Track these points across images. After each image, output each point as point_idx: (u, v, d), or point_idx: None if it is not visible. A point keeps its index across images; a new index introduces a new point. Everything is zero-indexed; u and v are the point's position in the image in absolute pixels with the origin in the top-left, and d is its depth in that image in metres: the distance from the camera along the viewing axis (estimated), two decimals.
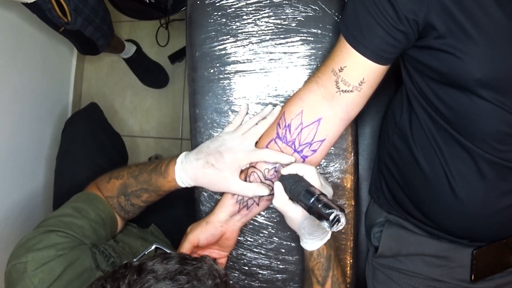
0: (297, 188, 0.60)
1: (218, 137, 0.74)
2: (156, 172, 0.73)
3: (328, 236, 0.68)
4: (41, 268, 0.64)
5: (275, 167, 0.70)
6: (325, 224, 0.55)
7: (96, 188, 0.79)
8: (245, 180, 0.70)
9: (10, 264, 0.66)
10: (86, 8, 1.12)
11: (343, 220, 0.54)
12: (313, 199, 0.56)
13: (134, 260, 0.53)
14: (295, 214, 0.64)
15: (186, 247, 0.71)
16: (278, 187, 0.63)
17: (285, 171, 0.64)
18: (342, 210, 0.54)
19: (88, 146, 1.07)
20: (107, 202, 0.78)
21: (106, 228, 0.77)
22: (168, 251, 0.59)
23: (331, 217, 0.54)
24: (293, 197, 0.61)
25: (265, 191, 0.68)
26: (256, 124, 0.73)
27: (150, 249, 0.65)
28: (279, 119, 0.70)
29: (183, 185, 0.73)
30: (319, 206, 0.55)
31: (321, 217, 0.55)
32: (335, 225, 0.54)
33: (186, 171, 0.71)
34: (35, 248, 0.66)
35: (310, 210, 0.57)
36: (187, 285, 0.47)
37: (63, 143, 1.10)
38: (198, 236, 0.71)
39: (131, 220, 0.93)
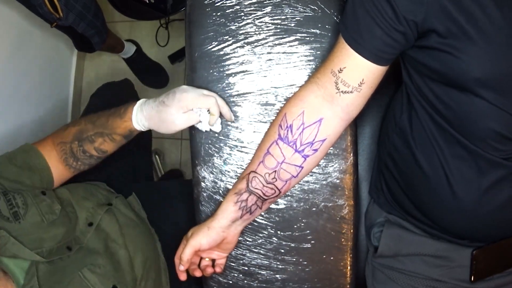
0: None
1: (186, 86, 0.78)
2: (114, 114, 0.78)
3: None
4: None
5: (275, 171, 0.70)
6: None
7: (47, 140, 0.82)
8: (247, 185, 0.71)
9: None
10: (78, 4, 1.12)
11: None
12: None
13: None
14: None
15: (188, 253, 0.71)
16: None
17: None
18: None
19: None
20: (59, 148, 0.80)
21: (32, 176, 0.78)
22: None
23: None
24: None
25: (205, 115, 0.74)
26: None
27: None
28: (280, 121, 0.70)
29: (138, 127, 0.78)
30: None
31: None
32: None
33: (143, 110, 0.76)
34: None
35: None
36: None
37: (86, 107, 1.17)
38: (200, 241, 0.71)
39: (113, 182, 0.96)
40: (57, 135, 0.81)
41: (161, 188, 1.11)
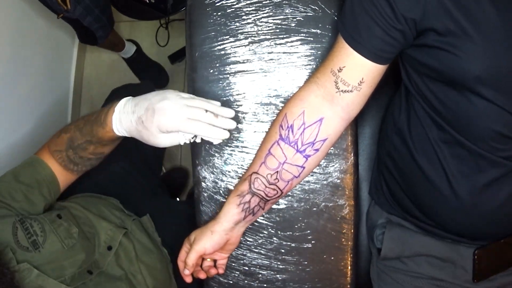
0: None
1: (166, 92, 0.69)
2: (96, 123, 0.73)
3: None
4: None
5: (277, 171, 0.70)
6: None
7: (46, 149, 0.79)
8: (250, 186, 0.70)
9: None
10: None
11: None
12: None
13: None
14: None
15: (193, 258, 0.71)
16: None
17: None
18: None
19: None
20: (55, 156, 0.78)
21: (42, 190, 0.76)
22: None
23: None
24: None
25: (189, 133, 0.68)
26: (206, 111, 0.68)
27: None
28: (281, 121, 0.70)
29: (120, 134, 0.72)
30: None
31: None
32: None
33: (122, 122, 0.70)
34: None
35: None
36: None
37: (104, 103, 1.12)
38: (204, 246, 0.71)
39: (127, 201, 0.93)
40: (52, 143, 0.79)
41: (175, 208, 1.09)
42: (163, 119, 0.66)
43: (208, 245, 0.71)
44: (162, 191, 1.17)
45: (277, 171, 0.70)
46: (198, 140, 0.72)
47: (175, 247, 0.92)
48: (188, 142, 0.71)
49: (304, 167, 0.70)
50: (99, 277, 0.75)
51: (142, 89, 1.19)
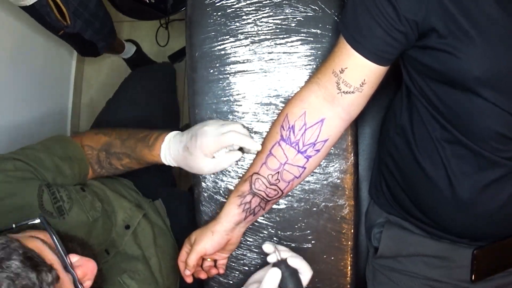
0: None
1: (208, 120, 0.75)
2: (143, 142, 0.75)
3: None
4: None
5: (278, 172, 0.70)
6: None
7: (79, 138, 0.79)
8: (251, 187, 0.70)
9: None
10: (86, 12, 1.12)
11: None
12: None
13: (14, 226, 0.51)
14: None
15: (194, 259, 0.71)
16: (275, 277, 0.63)
17: (291, 262, 0.65)
18: None
19: (149, 98, 1.08)
20: (84, 150, 0.78)
21: (73, 166, 0.75)
22: (51, 233, 0.53)
23: None
24: None
25: (236, 155, 0.71)
26: (239, 134, 0.71)
27: (34, 221, 0.59)
28: (282, 122, 0.70)
29: (166, 163, 0.75)
30: None
31: None
32: None
33: (171, 151, 0.73)
34: None
35: None
36: None
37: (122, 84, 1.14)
38: (205, 246, 0.71)
39: (140, 185, 0.93)
40: (86, 137, 0.79)
41: (184, 198, 1.08)
42: (204, 140, 0.70)
43: (208, 245, 0.71)
44: (169, 177, 1.18)
45: (278, 172, 0.70)
46: (270, 260, 0.68)
47: (179, 236, 0.92)
48: (231, 166, 0.73)
49: (305, 168, 0.70)
50: (115, 258, 0.74)
51: (163, 70, 1.19)
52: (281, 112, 0.72)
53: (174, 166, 0.75)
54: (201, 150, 0.70)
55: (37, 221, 0.53)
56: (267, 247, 0.68)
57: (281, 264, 0.64)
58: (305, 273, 0.66)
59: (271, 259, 0.67)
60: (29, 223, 0.54)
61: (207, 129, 0.71)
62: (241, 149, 0.74)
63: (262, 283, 0.63)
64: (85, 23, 1.14)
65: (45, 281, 0.45)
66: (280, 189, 0.71)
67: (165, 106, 1.14)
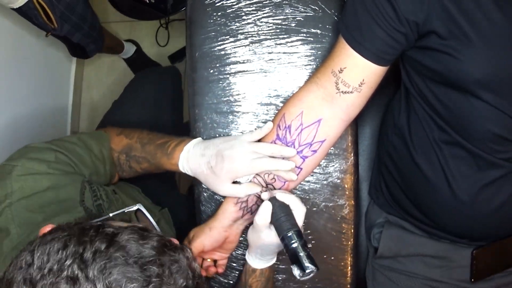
0: (285, 223, 0.60)
1: (233, 138, 0.70)
2: (162, 150, 0.73)
3: (274, 260, 0.70)
4: (25, 177, 0.63)
5: None
6: (296, 270, 0.56)
7: (112, 132, 0.78)
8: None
9: (1, 163, 0.65)
10: (74, 16, 1.12)
11: (312, 274, 0.57)
12: (299, 244, 0.57)
13: (111, 215, 0.50)
14: (266, 236, 0.63)
15: None
16: (267, 208, 0.62)
17: (280, 197, 0.63)
18: (317, 268, 0.56)
19: (157, 100, 1.07)
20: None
21: (105, 167, 0.75)
22: (151, 219, 0.53)
23: (308, 270, 0.56)
24: (277, 227, 0.60)
25: (255, 189, 0.68)
26: (271, 156, 0.68)
27: (132, 209, 0.59)
28: (278, 121, 0.70)
29: (183, 171, 0.73)
30: (301, 254, 0.57)
31: (296, 262, 0.57)
32: (304, 276, 0.56)
33: (189, 162, 0.71)
34: (29, 157, 0.65)
35: (289, 250, 0.58)
36: (155, 280, 0.41)
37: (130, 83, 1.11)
38: (203, 242, 0.71)
39: (146, 191, 0.93)
40: (112, 137, 0.78)
41: (185, 203, 1.08)
42: (233, 166, 0.67)
43: (206, 241, 0.71)
44: (173, 183, 1.17)
45: None
46: (264, 197, 0.66)
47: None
48: (246, 196, 0.70)
49: (301, 168, 0.70)
50: None
51: (169, 72, 1.19)
52: (278, 111, 0.72)
53: (190, 175, 0.73)
54: (229, 175, 0.67)
55: (135, 207, 0.54)
56: (264, 194, 0.67)
57: (273, 199, 0.63)
58: (297, 208, 0.63)
59: (264, 196, 0.66)
60: (126, 211, 0.55)
61: (234, 154, 0.67)
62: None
63: (255, 217, 0.63)
64: (73, 27, 1.14)
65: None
66: (276, 188, 0.71)
67: (174, 108, 1.14)
